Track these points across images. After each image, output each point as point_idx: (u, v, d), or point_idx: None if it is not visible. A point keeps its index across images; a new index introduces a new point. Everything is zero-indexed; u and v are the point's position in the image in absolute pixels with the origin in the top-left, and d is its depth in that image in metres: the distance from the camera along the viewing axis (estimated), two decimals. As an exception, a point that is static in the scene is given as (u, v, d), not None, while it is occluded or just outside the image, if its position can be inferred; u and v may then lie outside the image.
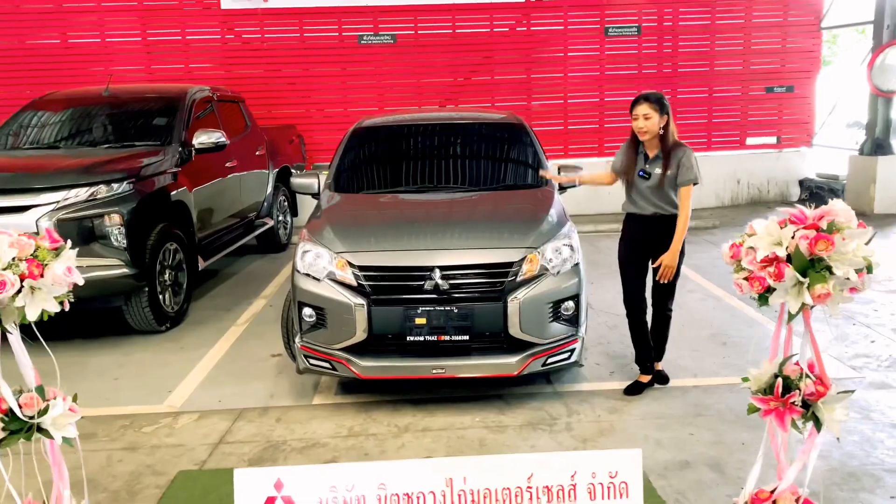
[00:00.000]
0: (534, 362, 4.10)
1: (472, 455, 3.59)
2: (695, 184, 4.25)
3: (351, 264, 4.08)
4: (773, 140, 11.42)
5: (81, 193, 5.09)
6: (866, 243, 2.17)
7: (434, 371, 4.02)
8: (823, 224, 2.19)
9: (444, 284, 3.98)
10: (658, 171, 4.25)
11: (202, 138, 6.36)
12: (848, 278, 2.14)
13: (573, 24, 10.80)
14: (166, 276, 5.73)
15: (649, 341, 4.50)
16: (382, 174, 5.26)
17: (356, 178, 5.21)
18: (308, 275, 4.16)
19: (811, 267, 2.15)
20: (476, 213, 4.67)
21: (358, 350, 4.08)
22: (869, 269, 2.17)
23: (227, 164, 7.01)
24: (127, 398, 4.44)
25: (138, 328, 5.57)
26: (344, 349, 4.09)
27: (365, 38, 10.59)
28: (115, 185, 5.24)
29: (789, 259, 2.18)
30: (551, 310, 4.13)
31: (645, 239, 4.35)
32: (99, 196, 5.15)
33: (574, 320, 4.25)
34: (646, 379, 4.52)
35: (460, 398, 4.31)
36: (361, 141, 5.48)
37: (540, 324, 4.10)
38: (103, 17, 10.38)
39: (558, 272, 4.18)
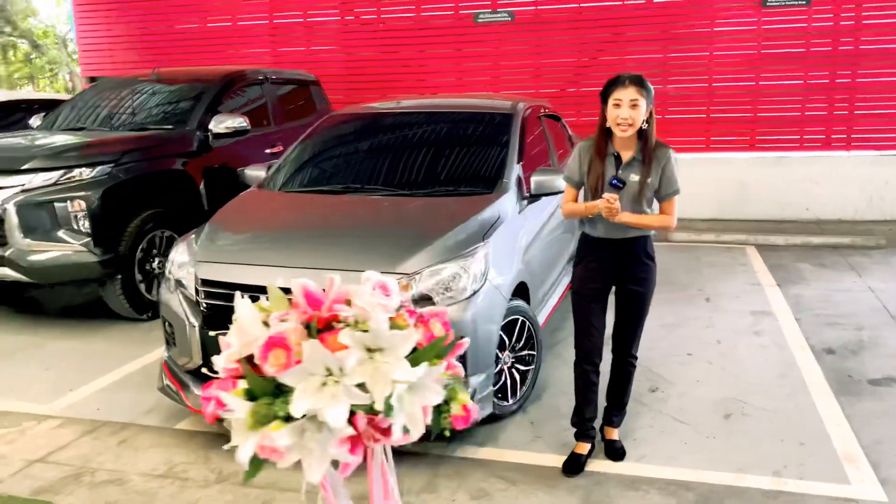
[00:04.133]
0: (385, 419, 3.24)
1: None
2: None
3: (196, 276, 3.53)
4: None
5: (51, 177, 5.05)
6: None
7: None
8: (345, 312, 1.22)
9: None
10: (636, 177, 3.17)
11: (225, 122, 6.14)
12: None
13: (723, -8, 9.07)
14: (155, 264, 5.58)
15: (597, 398, 3.45)
16: (319, 172, 4.60)
17: (291, 175, 4.59)
18: (169, 279, 3.69)
19: (276, 394, 1.21)
20: (376, 222, 3.86)
21: (202, 377, 3.52)
22: (388, 411, 1.17)
23: (266, 151, 6.74)
24: (26, 392, 4.31)
25: (121, 315, 5.49)
26: (189, 373, 3.57)
27: (481, 16, 9.81)
28: (87, 170, 5.15)
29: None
30: (420, 354, 3.23)
31: (613, 268, 3.29)
32: (69, 180, 5.08)
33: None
34: (584, 448, 3.45)
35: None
36: (324, 134, 4.86)
37: (399, 371, 3.22)
38: (238, 2, 10.71)
39: (448, 304, 3.27)
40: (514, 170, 4.19)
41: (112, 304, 5.41)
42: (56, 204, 5.00)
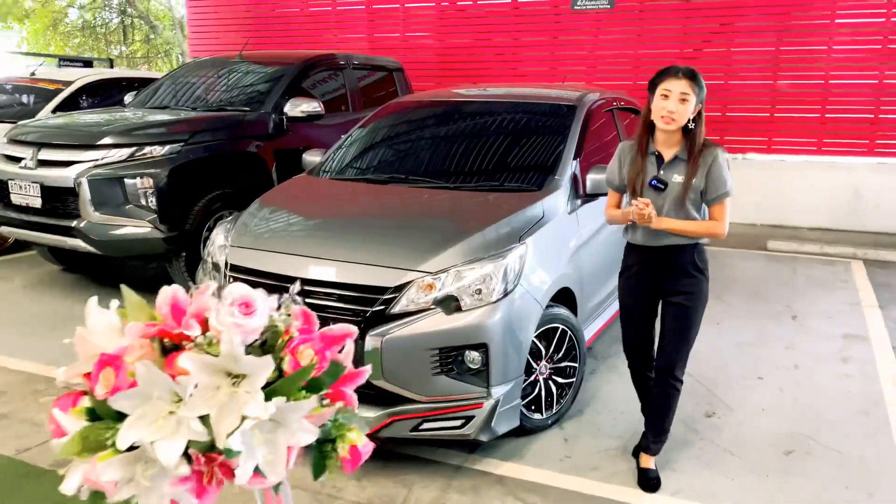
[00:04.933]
0: (398, 423, 3.08)
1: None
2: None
3: (226, 260, 3.48)
4: None
5: (122, 153, 5.19)
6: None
7: (280, 406, 3.23)
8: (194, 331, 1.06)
9: (297, 302, 3.15)
10: (679, 178, 2.91)
11: (300, 106, 6.15)
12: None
13: (848, -20, 8.26)
14: (221, 244, 5.65)
15: None
16: (368, 160, 4.45)
17: (340, 162, 4.47)
18: (207, 262, 3.67)
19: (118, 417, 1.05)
20: (410, 216, 3.68)
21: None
22: (228, 452, 0.99)
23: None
24: (39, 354, 4.42)
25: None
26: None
27: (579, 2, 9.41)
28: (158, 148, 5.25)
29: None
30: (439, 358, 3.05)
31: (657, 279, 3.04)
32: (140, 157, 5.20)
33: (481, 377, 3.10)
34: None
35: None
36: (381, 122, 4.72)
37: (416, 374, 3.06)
38: (336, -14, 10.80)
39: (471, 308, 3.07)
40: (570, 166, 3.90)
41: (177, 280, 5.52)
42: (126, 180, 5.13)
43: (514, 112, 4.46)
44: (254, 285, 3.16)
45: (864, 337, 4.96)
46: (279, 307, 1.32)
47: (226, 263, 3.47)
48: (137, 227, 5.18)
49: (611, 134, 4.66)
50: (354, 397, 1.34)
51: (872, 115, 8.40)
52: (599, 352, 4.64)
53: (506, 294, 3.15)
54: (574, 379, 3.69)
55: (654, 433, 3.21)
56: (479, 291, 3.12)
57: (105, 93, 8.03)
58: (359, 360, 3.00)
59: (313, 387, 1.14)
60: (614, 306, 4.50)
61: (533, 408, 3.52)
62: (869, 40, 8.27)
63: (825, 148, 8.65)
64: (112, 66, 10.46)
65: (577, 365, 3.68)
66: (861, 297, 5.88)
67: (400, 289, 3.08)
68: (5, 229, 5.65)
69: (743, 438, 3.58)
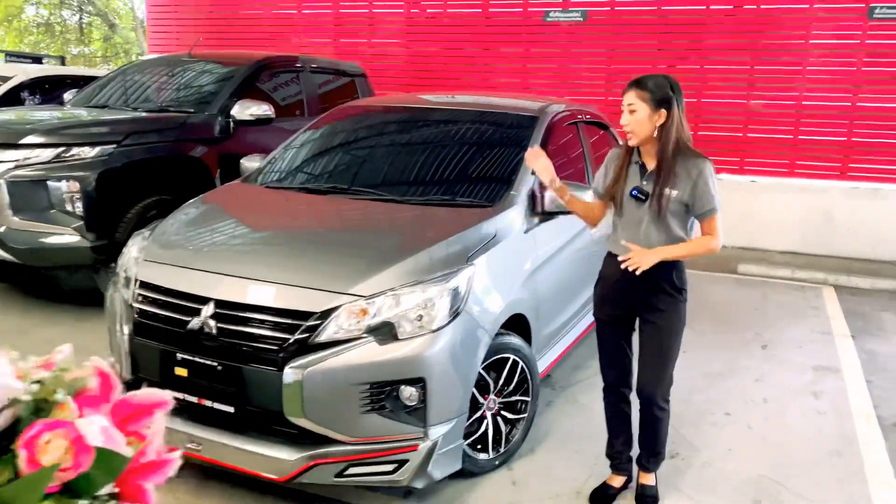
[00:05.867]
0: (320, 468, 2.71)
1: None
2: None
3: (135, 276, 3.09)
4: None
5: (47, 153, 4.76)
6: None
7: (189, 446, 2.84)
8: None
9: (211, 326, 2.78)
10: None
11: (250, 109, 5.77)
12: None
13: (822, 1, 8.10)
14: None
15: (630, 430, 3.09)
16: (309, 168, 4.09)
17: (279, 169, 4.10)
18: (118, 276, 3.27)
19: None
20: (347, 232, 3.32)
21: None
22: None
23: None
24: None
25: (116, 305, 5.16)
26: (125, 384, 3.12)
27: (552, 14, 9.16)
28: (88, 149, 4.84)
29: None
30: (369, 394, 2.69)
31: (631, 293, 2.84)
32: (67, 158, 4.78)
33: (418, 416, 2.74)
34: (616, 481, 3.09)
35: (255, 485, 3.06)
36: (327, 127, 4.37)
37: (341, 412, 2.70)
38: (302, -11, 10.45)
39: (409, 337, 2.71)
40: (527, 181, 3.57)
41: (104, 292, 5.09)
42: (50, 182, 4.71)
43: (472, 121, 4.13)
44: (163, 305, 2.82)
45: (836, 369, 4.70)
46: (49, 365, 0.94)
47: (135, 280, 3.08)
48: (61, 235, 4.76)
49: (575, 148, 4.36)
50: (152, 496, 0.96)
51: (845, 138, 8.23)
52: (558, 380, 4.31)
53: (449, 322, 2.80)
54: (525, 414, 3.35)
55: (648, 454, 3.07)
56: (420, 318, 2.77)
57: (53, 91, 7.59)
58: (277, 396, 2.65)
59: (79, 489, 0.79)
60: (575, 332, 4.21)
61: (479, 447, 3.17)
62: (843, 62, 8.11)
63: (797, 170, 8.46)
64: (64, 64, 9.98)
65: (528, 399, 3.34)
66: (832, 326, 5.64)
67: (327, 314, 2.71)
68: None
69: (708, 483, 3.26)
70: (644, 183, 2.77)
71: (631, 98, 2.69)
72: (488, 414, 3.17)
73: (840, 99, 8.18)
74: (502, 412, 3.25)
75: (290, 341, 2.69)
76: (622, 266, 2.67)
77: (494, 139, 3.93)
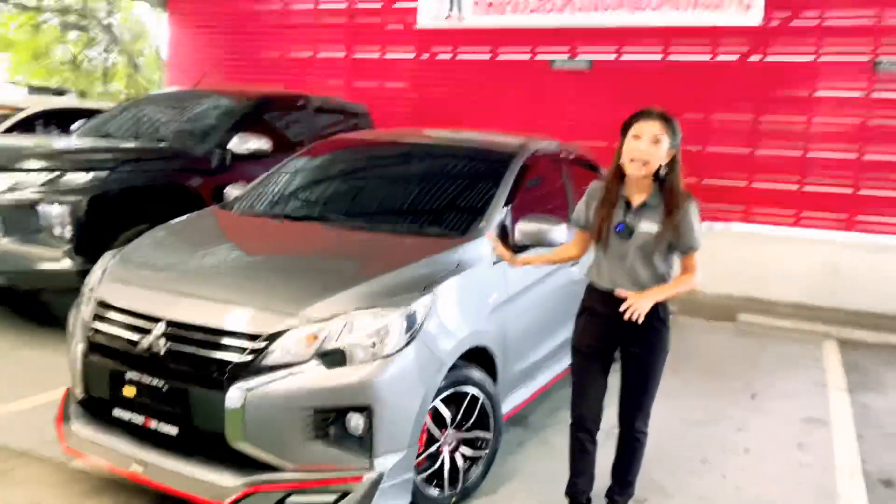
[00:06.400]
0: (259, 496, 2.65)
1: None
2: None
3: (93, 295, 3.10)
4: None
5: (40, 178, 4.85)
6: None
7: (132, 468, 2.81)
8: None
9: (158, 346, 2.77)
10: (647, 227, 2.77)
11: (247, 143, 5.86)
12: None
13: (828, 54, 8.11)
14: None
15: (593, 468, 3.03)
16: (283, 196, 4.11)
17: (255, 196, 4.13)
18: (83, 295, 3.27)
19: None
20: (308, 255, 3.32)
21: (88, 411, 3.07)
22: None
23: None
24: None
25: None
26: (81, 404, 3.12)
27: (557, 62, 9.28)
28: (80, 175, 4.92)
29: None
30: (313, 420, 2.64)
31: (616, 324, 2.79)
32: (59, 183, 4.86)
33: (363, 445, 2.69)
34: None
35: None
36: (307, 158, 4.42)
37: (284, 438, 2.65)
38: (318, 34, 10.69)
39: (357, 362, 2.68)
40: (498, 213, 3.56)
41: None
42: (39, 206, 4.78)
43: (451, 156, 4.16)
44: (117, 324, 2.81)
45: (826, 421, 4.55)
46: None
47: (92, 299, 3.08)
48: (50, 258, 4.81)
49: (557, 185, 4.35)
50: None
51: (852, 190, 8.14)
52: (534, 422, 4.21)
53: (400, 349, 2.76)
54: (486, 451, 3.27)
55: (620, 485, 3.08)
56: (372, 345, 2.74)
57: (68, 123, 7.77)
58: (220, 419, 2.61)
59: None
60: (551, 372, 4.13)
61: (435, 482, 3.09)
62: (849, 114, 8.07)
63: (803, 221, 8.35)
64: (83, 97, 10.26)
65: (489, 436, 3.26)
66: (828, 379, 5.48)
67: (275, 336, 2.69)
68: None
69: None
70: (629, 218, 2.79)
71: (657, 129, 2.70)
72: (445, 449, 3.10)
73: (846, 151, 8.12)
74: (461, 448, 3.17)
75: (236, 363, 2.67)
76: (626, 317, 2.65)
77: (470, 173, 3.94)
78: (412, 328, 2.81)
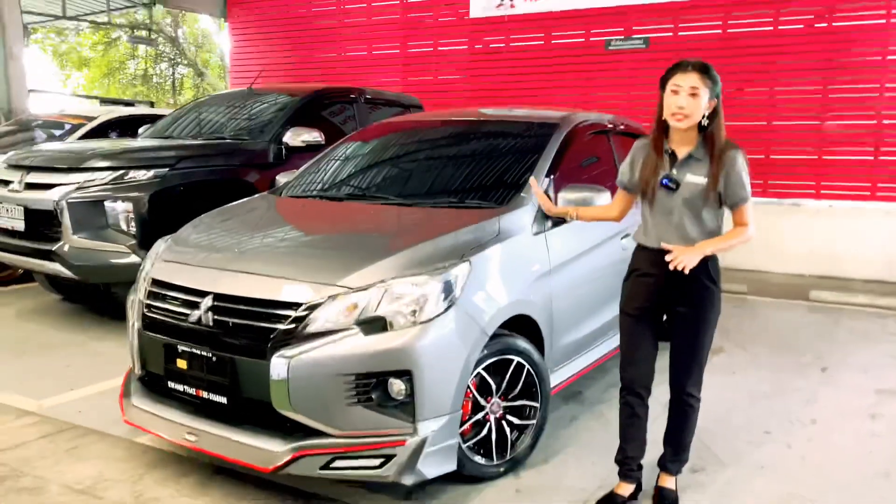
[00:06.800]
0: (306, 459, 2.71)
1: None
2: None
3: (148, 274, 3.23)
4: None
5: (106, 176, 5.08)
6: None
7: (186, 437, 2.91)
8: None
9: (207, 319, 2.87)
10: (694, 178, 2.72)
11: (301, 136, 6.00)
12: None
13: (899, 15, 7.70)
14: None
15: (644, 435, 2.97)
16: (331, 179, 4.17)
17: (302, 181, 4.20)
18: (140, 273, 3.41)
19: None
20: (351, 230, 3.37)
21: (147, 386, 3.21)
22: None
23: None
24: (30, 387, 4.22)
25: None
26: (141, 381, 3.26)
27: (613, 42, 9.14)
28: (142, 172, 5.14)
29: None
30: (355, 386, 2.68)
31: (665, 284, 2.77)
32: (123, 181, 5.09)
33: (406, 410, 2.71)
34: (625, 489, 2.95)
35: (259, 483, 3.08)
36: (354, 142, 4.48)
37: (328, 403, 2.70)
38: (374, 33, 10.83)
39: (397, 329, 2.71)
40: (540, 183, 3.52)
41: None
42: (106, 203, 5.01)
43: (493, 132, 4.14)
44: (169, 300, 2.92)
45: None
46: None
47: (148, 278, 3.21)
48: (116, 253, 5.03)
49: (604, 156, 4.27)
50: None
51: (932, 158, 7.70)
52: (589, 397, 4.16)
53: (439, 314, 2.77)
54: (534, 421, 3.24)
55: (672, 451, 3.00)
56: (413, 312, 2.76)
57: (137, 129, 8.11)
58: (265, 386, 2.68)
59: None
60: (604, 347, 4.07)
61: (482, 452, 3.08)
62: (925, 77, 7.64)
63: (879, 193, 7.95)
64: (152, 107, 10.68)
65: (536, 405, 3.23)
66: (907, 351, 5.20)
67: (316, 306, 2.74)
68: (-6, 254, 5.61)
69: (728, 499, 3.04)
70: (675, 172, 2.73)
71: (695, 81, 2.62)
72: (491, 417, 3.09)
73: (924, 116, 7.69)
74: (508, 417, 3.15)
75: (279, 332, 2.73)
76: (670, 266, 2.59)
77: (513, 147, 3.91)
78: (450, 295, 2.82)
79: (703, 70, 2.65)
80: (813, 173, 8.21)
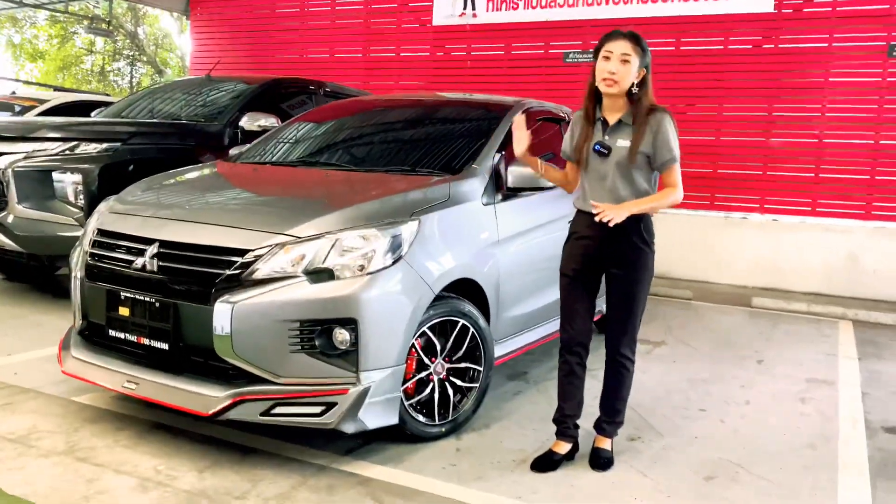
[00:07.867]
0: (247, 405, 2.70)
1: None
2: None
3: (94, 225, 3.21)
4: None
5: (55, 147, 5.01)
6: None
7: (125, 385, 2.88)
8: None
9: (150, 265, 2.86)
10: (624, 143, 2.81)
11: (258, 121, 5.99)
12: None
13: (842, 40, 8.08)
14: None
15: (581, 394, 3.04)
16: (286, 147, 4.21)
17: (257, 150, 4.23)
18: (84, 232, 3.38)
19: None
20: (303, 189, 3.40)
21: (85, 338, 3.17)
22: None
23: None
24: None
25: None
26: (81, 334, 3.21)
27: (571, 55, 9.35)
28: (93, 146, 5.07)
29: None
30: (299, 333, 2.69)
31: (600, 246, 2.88)
32: (73, 152, 5.02)
33: (349, 359, 2.73)
34: (561, 447, 3.02)
35: (197, 436, 3.06)
36: (312, 116, 4.52)
37: (270, 350, 2.71)
38: (336, 37, 10.91)
39: (342, 278, 2.74)
40: (491, 157, 3.61)
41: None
42: (55, 174, 4.93)
43: (452, 111, 4.23)
44: (113, 248, 2.91)
45: (832, 382, 4.49)
46: None
47: (94, 229, 3.19)
48: (63, 225, 4.94)
49: (552, 139, 4.38)
50: None
51: (868, 177, 8.04)
52: (534, 376, 4.22)
53: (385, 267, 2.81)
54: (477, 384, 3.29)
55: (606, 414, 3.06)
56: (360, 267, 2.79)
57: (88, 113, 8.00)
58: (208, 332, 2.68)
59: None
60: (550, 327, 4.13)
61: (424, 411, 3.11)
62: (864, 100, 8.01)
63: (819, 209, 8.25)
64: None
65: (480, 368, 3.28)
66: (840, 350, 5.40)
67: (262, 254, 2.75)
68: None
69: (663, 463, 3.12)
70: (606, 138, 2.83)
71: (626, 48, 2.73)
72: (435, 377, 3.13)
73: (862, 138, 8.04)
74: (451, 378, 3.19)
75: (224, 276, 2.74)
76: (596, 219, 2.69)
77: (468, 124, 4.00)
78: (398, 250, 2.87)
79: (635, 39, 2.77)
80: (758, 188, 8.48)
